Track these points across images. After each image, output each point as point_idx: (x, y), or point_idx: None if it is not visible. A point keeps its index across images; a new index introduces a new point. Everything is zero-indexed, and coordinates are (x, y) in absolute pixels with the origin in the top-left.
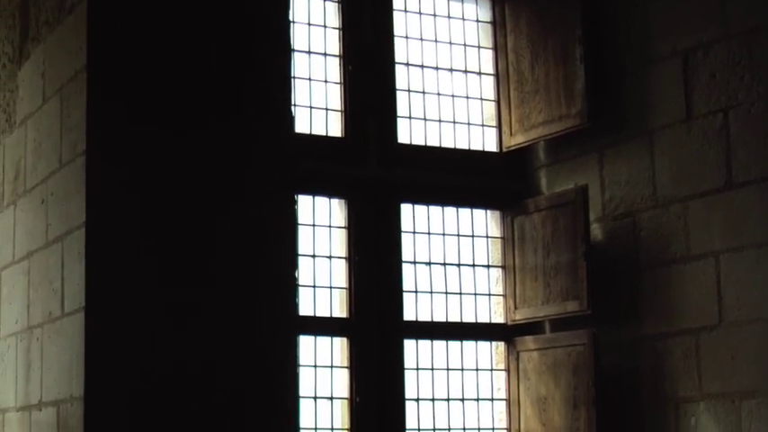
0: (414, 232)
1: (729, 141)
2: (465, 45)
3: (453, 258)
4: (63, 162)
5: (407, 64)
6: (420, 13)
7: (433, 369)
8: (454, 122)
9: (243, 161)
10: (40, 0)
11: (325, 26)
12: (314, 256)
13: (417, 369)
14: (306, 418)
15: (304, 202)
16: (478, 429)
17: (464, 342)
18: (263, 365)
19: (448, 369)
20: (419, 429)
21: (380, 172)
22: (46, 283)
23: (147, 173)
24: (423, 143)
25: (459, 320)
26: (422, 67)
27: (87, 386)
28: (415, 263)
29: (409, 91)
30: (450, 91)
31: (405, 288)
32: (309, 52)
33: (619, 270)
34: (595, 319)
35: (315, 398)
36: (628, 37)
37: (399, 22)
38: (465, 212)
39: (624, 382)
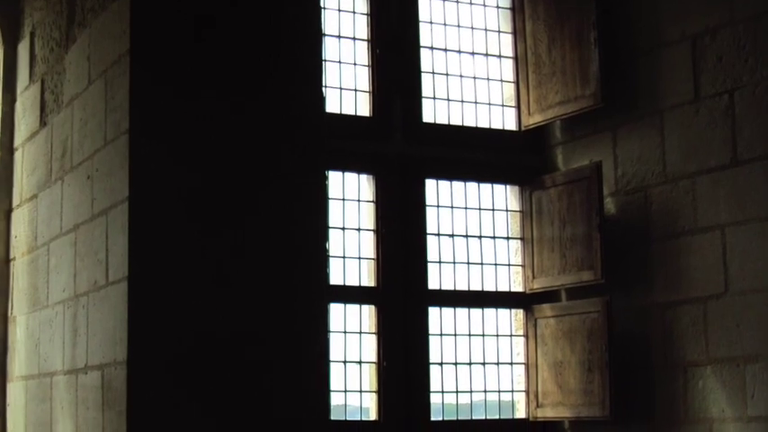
0: (438, 206)
1: (735, 121)
2: (486, 30)
3: (475, 231)
4: (107, 140)
5: (432, 47)
6: (443, 0)
7: (455, 335)
8: (476, 103)
9: (278, 139)
10: None
11: (354, 12)
12: (343, 229)
13: (441, 335)
14: (336, 380)
15: (334, 178)
16: (498, 391)
17: (485, 309)
18: (296, 331)
19: (470, 335)
20: (443, 392)
21: (406, 149)
22: (91, 253)
23: (187, 150)
24: (446, 122)
25: (480, 289)
26: (445, 50)
27: (130, 351)
28: (438, 235)
29: (433, 73)
30: (472, 73)
31: (429, 259)
32: (339, 36)
33: (631, 242)
34: (609, 288)
35: (344, 362)
36: (639, 22)
37: (424, 8)
38: (486, 187)
39: (636, 348)
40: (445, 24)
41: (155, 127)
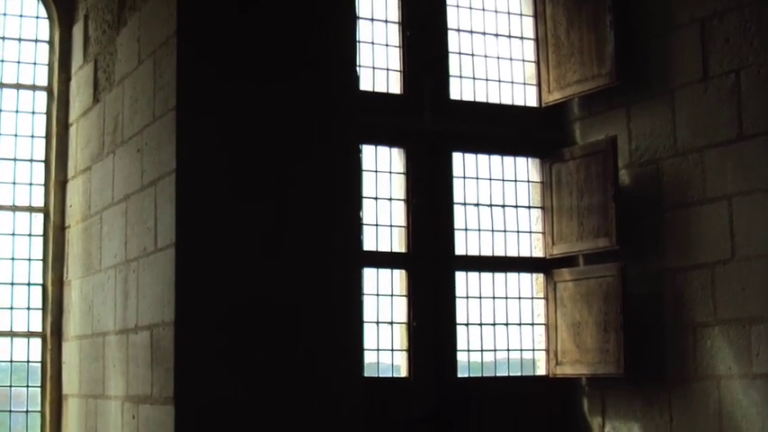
0: (464, 177)
1: (741, 98)
2: (509, 13)
3: (498, 200)
4: (156, 116)
5: (458, 29)
6: None
7: (480, 297)
8: (499, 81)
9: (315, 115)
10: None
11: None
12: (376, 199)
13: (467, 297)
14: (369, 340)
15: (367, 151)
16: (520, 350)
17: (508, 274)
18: (332, 294)
19: (494, 297)
20: (468, 350)
21: (435, 124)
22: (141, 222)
23: (230, 125)
24: (472, 99)
25: (503, 255)
26: (471, 32)
27: (177, 312)
28: (465, 204)
29: (460, 53)
30: (496, 53)
31: (456, 226)
32: (372, 19)
33: (644, 211)
34: (623, 254)
35: (377, 323)
36: (652, 6)
37: None
38: (509, 160)
39: (648, 310)
40: (471, 8)
41: (200, 104)
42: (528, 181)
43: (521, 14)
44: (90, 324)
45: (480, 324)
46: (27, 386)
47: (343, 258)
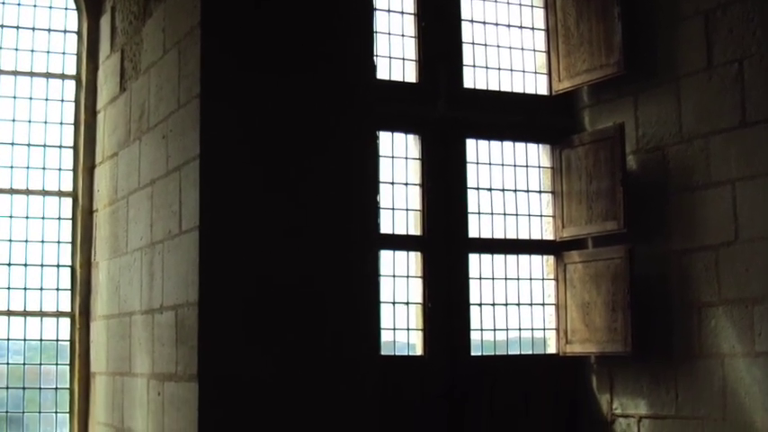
0: (477, 163)
1: (744, 86)
2: (520, 5)
3: (510, 185)
4: (181, 103)
5: (472, 20)
6: None
7: (493, 279)
8: (511, 70)
9: (334, 103)
10: None
11: None
12: (393, 183)
13: (480, 278)
14: (385, 319)
15: (384, 138)
16: (532, 329)
17: (519, 256)
18: (352, 276)
19: (506, 279)
20: (481, 330)
21: (449, 112)
22: (166, 205)
23: (253, 112)
24: (485, 87)
25: (515, 237)
26: (484, 23)
27: (201, 293)
28: (478, 189)
29: (473, 43)
30: (508, 43)
31: (469, 210)
32: (389, 11)
33: (650, 195)
34: (631, 237)
35: (393, 303)
36: None
37: None
38: (520, 146)
39: (655, 290)
40: (484, 0)
41: (223, 91)
42: (539, 166)
43: (532, 6)
44: (117, 304)
45: (493, 304)
46: (56, 364)
47: (362, 241)
